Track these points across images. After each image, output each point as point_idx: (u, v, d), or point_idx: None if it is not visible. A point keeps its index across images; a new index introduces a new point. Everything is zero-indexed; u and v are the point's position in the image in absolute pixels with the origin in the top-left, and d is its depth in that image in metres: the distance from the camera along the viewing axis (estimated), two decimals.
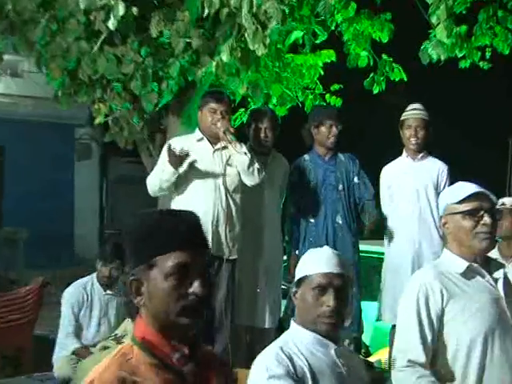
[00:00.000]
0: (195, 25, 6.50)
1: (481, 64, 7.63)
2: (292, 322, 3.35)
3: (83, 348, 6.06)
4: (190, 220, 2.49)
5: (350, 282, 3.38)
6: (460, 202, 3.67)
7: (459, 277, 3.63)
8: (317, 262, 3.31)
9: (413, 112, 6.12)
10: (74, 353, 6.05)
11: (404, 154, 6.37)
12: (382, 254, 6.51)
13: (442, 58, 6.51)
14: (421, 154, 6.28)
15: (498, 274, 3.81)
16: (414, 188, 6.25)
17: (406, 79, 7.95)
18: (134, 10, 6.04)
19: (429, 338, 3.54)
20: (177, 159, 5.59)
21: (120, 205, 15.66)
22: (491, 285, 3.72)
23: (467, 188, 3.72)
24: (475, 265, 3.71)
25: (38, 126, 13.02)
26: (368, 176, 6.51)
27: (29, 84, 12.24)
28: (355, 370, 3.38)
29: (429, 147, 6.41)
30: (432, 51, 6.48)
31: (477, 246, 3.69)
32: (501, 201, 6.00)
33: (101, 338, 6.14)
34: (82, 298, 6.30)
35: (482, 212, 3.64)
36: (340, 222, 6.41)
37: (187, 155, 5.62)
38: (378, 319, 6.29)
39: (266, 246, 6.12)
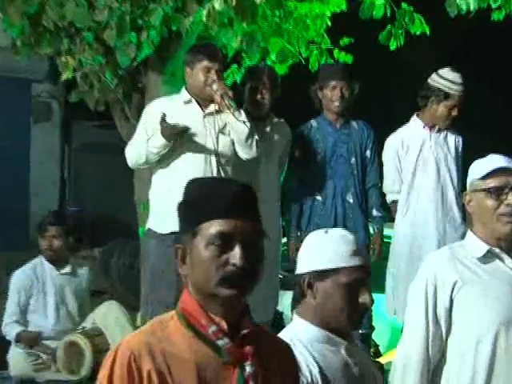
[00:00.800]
0: None
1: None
2: (296, 317, 3.47)
3: (26, 332, 6.22)
4: (237, 188, 2.72)
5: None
6: (484, 178, 3.80)
7: (477, 262, 3.75)
8: (347, 252, 3.39)
9: (460, 88, 6.26)
10: (17, 340, 6.20)
11: (418, 122, 6.57)
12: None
13: (472, 7, 6.74)
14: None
15: None
16: (435, 162, 6.45)
17: (428, 33, 8.03)
18: None
19: (435, 340, 3.73)
20: (173, 132, 5.75)
21: (85, 177, 15.49)
22: None
23: (494, 162, 3.84)
24: (497, 250, 3.81)
25: None
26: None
27: None
28: (367, 369, 3.51)
29: None
30: (461, 1, 6.72)
31: (499, 230, 3.80)
32: None
33: (62, 326, 6.30)
34: (32, 281, 6.47)
35: (507, 190, 3.76)
36: (351, 200, 6.57)
37: (187, 130, 5.80)
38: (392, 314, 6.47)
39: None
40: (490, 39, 12.63)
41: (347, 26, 8.55)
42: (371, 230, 6.81)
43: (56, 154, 14.87)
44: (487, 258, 3.82)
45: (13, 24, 7.17)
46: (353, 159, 6.63)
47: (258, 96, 6.37)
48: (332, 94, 6.53)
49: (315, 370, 3.28)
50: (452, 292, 3.66)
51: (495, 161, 3.85)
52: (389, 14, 8.00)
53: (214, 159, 6.02)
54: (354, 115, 6.79)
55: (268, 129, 6.33)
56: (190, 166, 5.88)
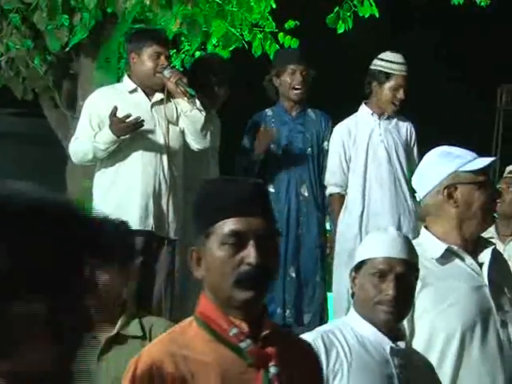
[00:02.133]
0: None
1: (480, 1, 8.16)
2: (352, 309, 3.64)
3: None
4: (248, 186, 2.87)
5: (416, 270, 3.60)
6: (476, 172, 3.83)
7: (435, 262, 3.78)
8: (378, 244, 3.56)
9: (401, 67, 6.35)
10: None
11: (366, 109, 6.59)
12: None
13: None
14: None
15: (484, 256, 3.92)
16: (385, 151, 6.47)
17: (377, 15, 8.16)
18: None
19: None
20: (124, 126, 5.69)
21: None
22: (474, 271, 3.86)
23: (485, 158, 3.92)
24: (455, 247, 3.83)
25: None
26: None
27: None
28: (416, 372, 3.54)
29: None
30: None
31: (484, 226, 3.96)
32: (509, 168, 6.54)
33: None
34: None
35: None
36: (306, 194, 6.64)
37: (142, 124, 5.74)
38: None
39: None
40: (449, 25, 13.06)
41: (293, 8, 8.66)
42: (328, 227, 6.87)
43: None
44: (446, 257, 3.83)
45: None
46: (309, 150, 6.66)
47: (214, 89, 6.34)
48: (292, 79, 6.55)
49: (345, 361, 3.40)
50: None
51: (481, 158, 3.90)
52: None
53: (164, 151, 6.00)
54: (311, 104, 6.88)
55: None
56: (139, 161, 5.90)
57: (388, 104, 6.50)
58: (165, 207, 6.07)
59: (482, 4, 8.29)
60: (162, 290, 6.02)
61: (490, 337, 3.87)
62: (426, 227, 4.05)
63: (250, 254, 2.69)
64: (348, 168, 6.77)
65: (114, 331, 3.77)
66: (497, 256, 4.10)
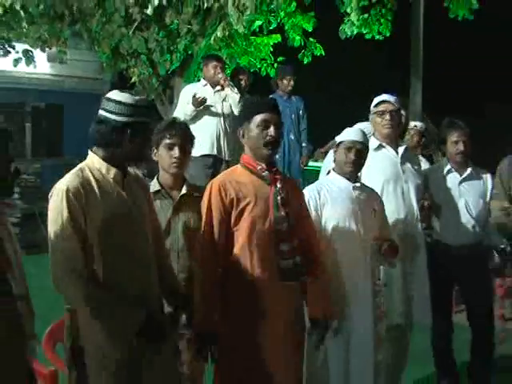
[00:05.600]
0: (194, 16, 7.80)
1: (376, 36, 9.42)
2: (332, 171, 3.83)
3: None
4: (269, 100, 3.31)
5: (367, 148, 3.80)
6: (376, 106, 4.25)
7: (372, 151, 3.92)
8: (348, 133, 3.81)
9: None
10: None
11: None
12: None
13: (354, 33, 8.31)
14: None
15: (401, 149, 4.25)
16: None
17: (324, 54, 9.59)
18: (163, 0, 7.17)
19: None
20: (198, 103, 6.33)
21: None
22: (393, 155, 4.16)
23: (382, 97, 4.27)
24: (384, 143, 4.13)
25: (79, 94, 14.03)
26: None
27: (70, 69, 14.08)
28: (368, 200, 3.79)
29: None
30: (347, 30, 8.30)
31: (383, 132, 4.15)
32: (413, 124, 6.67)
33: None
34: None
35: (387, 112, 4.20)
36: (292, 137, 7.39)
37: (205, 101, 6.37)
38: None
39: None
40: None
41: (282, 50, 9.94)
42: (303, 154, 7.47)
43: None
44: (379, 148, 4.08)
45: (104, 52, 8.22)
46: (293, 116, 7.31)
47: (242, 84, 6.99)
48: (288, 83, 7.33)
49: (327, 194, 3.71)
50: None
51: (382, 96, 4.29)
52: (303, 44, 9.64)
53: (221, 114, 6.57)
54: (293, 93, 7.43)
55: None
56: (211, 118, 6.52)
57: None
58: (222, 141, 6.59)
59: (381, 39, 9.10)
60: None
61: (398, 187, 4.17)
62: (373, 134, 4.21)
63: (271, 131, 3.11)
64: None
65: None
66: (407, 151, 4.37)
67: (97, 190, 2.73)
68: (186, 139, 3.52)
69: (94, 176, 2.78)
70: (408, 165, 4.30)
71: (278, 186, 3.14)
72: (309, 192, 3.65)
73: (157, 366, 2.79)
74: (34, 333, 2.75)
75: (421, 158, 6.10)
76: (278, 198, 3.10)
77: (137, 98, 2.85)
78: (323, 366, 3.60)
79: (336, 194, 3.67)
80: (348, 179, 3.72)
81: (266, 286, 3.10)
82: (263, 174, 3.16)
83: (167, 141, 3.43)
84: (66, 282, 2.63)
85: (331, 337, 3.47)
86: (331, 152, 3.86)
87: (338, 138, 3.78)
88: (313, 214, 3.56)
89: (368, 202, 3.74)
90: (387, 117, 4.13)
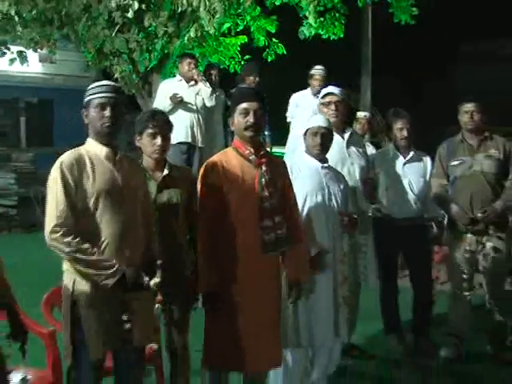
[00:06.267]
0: (170, 19, 7.56)
1: (331, 37, 9.45)
2: (303, 151, 3.86)
3: None
4: (249, 89, 3.73)
5: (332, 133, 3.88)
6: (323, 97, 4.35)
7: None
8: (315, 119, 3.91)
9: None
10: None
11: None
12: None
13: (312, 34, 8.39)
14: None
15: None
16: None
17: (286, 53, 9.68)
18: (142, 5, 7.17)
19: None
20: (177, 101, 6.57)
21: None
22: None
23: (328, 89, 4.37)
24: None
25: (67, 90, 13.80)
26: None
27: (59, 68, 14.17)
28: (334, 179, 3.83)
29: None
30: (306, 31, 8.34)
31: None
32: (362, 114, 6.91)
33: None
34: None
35: (331, 104, 4.24)
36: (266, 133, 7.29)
37: (182, 100, 6.62)
38: None
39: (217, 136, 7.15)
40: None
41: (248, 50, 10.01)
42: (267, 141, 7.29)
43: None
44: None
45: (89, 53, 8.06)
46: None
47: (212, 78, 6.98)
48: (253, 81, 7.15)
49: (300, 171, 3.76)
50: None
51: (328, 88, 4.39)
52: (266, 44, 9.72)
53: (195, 107, 6.74)
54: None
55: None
56: (185, 111, 6.67)
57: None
58: (195, 130, 6.74)
59: (335, 38, 9.24)
60: (197, 164, 6.43)
61: (345, 168, 4.22)
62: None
63: (251, 117, 3.17)
64: None
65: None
66: (352, 136, 4.41)
67: (89, 164, 2.82)
68: (166, 128, 3.54)
69: (88, 154, 2.87)
70: (353, 148, 4.34)
71: (263, 168, 3.17)
72: None
73: (135, 311, 2.89)
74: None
75: (369, 144, 6.23)
76: (263, 179, 3.14)
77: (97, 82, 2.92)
78: (294, 315, 3.67)
79: (306, 171, 3.71)
80: (317, 160, 3.76)
81: (251, 255, 3.16)
82: (250, 157, 3.19)
83: (150, 130, 3.45)
84: (54, 236, 2.72)
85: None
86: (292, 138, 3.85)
87: (307, 125, 3.81)
88: None
89: (334, 179, 3.80)
90: (332, 107, 4.17)
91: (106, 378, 2.93)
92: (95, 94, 2.88)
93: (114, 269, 2.73)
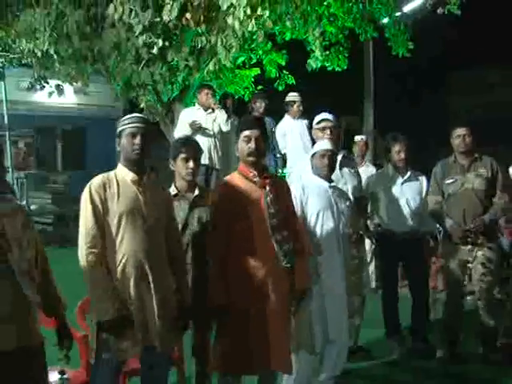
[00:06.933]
0: (190, 54, 7.57)
1: (336, 68, 9.32)
2: (311, 172, 3.78)
3: None
4: (255, 118, 3.51)
5: (336, 155, 3.89)
6: (319, 123, 4.22)
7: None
8: (321, 144, 3.87)
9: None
10: None
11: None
12: None
13: (318, 66, 8.36)
14: None
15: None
16: None
17: (295, 83, 9.59)
18: (166, 42, 7.14)
19: None
20: (196, 127, 6.54)
21: None
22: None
23: (323, 115, 4.22)
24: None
25: (98, 119, 14.03)
26: None
27: (91, 98, 14.24)
28: (340, 197, 3.78)
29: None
30: (313, 64, 8.32)
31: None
32: (359, 137, 6.95)
33: None
34: None
35: (327, 129, 4.13)
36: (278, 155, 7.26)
37: (200, 126, 6.58)
38: None
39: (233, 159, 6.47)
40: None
41: (261, 81, 9.89)
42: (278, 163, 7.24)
43: None
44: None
45: (118, 84, 8.08)
46: (269, 127, 6.36)
47: (229, 107, 6.95)
48: (260, 106, 7.12)
49: (308, 190, 3.69)
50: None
51: (322, 115, 4.25)
52: (278, 75, 9.59)
53: (212, 132, 6.68)
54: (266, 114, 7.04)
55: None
56: (204, 136, 6.60)
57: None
58: (213, 154, 6.68)
59: (340, 70, 9.26)
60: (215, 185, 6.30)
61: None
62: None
63: (251, 144, 3.12)
64: None
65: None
66: (345, 158, 4.34)
67: (116, 186, 2.85)
68: (197, 153, 3.61)
69: (117, 177, 2.90)
70: (345, 169, 4.30)
71: (267, 188, 3.13)
72: (295, 188, 3.64)
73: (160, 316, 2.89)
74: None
75: (369, 164, 6.31)
76: (268, 198, 3.09)
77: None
78: (309, 325, 3.61)
79: (316, 190, 3.67)
80: (325, 180, 3.74)
81: (266, 266, 3.11)
82: (255, 179, 3.16)
83: (183, 155, 3.49)
84: (83, 257, 2.76)
85: (311, 299, 3.51)
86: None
87: (314, 149, 3.79)
88: (299, 204, 3.58)
89: (340, 197, 3.78)
90: (328, 132, 4.10)
91: (131, 378, 2.97)
92: (127, 124, 2.91)
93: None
